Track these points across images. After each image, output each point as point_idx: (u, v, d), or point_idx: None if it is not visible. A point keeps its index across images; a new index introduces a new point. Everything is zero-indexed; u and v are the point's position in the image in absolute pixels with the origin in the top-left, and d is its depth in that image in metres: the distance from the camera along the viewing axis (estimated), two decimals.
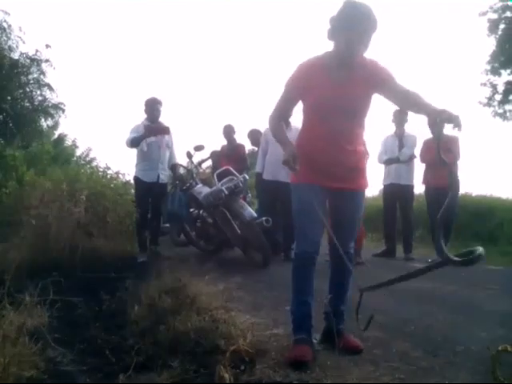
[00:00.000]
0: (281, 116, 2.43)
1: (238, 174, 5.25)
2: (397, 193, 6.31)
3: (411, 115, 6.27)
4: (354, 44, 2.11)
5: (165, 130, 5.21)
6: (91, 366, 2.22)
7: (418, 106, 2.08)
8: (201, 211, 5.63)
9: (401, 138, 6.32)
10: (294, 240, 5.19)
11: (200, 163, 6.28)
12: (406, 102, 2.23)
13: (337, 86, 2.20)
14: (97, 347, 2.50)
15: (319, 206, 2.22)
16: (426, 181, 6.30)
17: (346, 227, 2.39)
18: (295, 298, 2.32)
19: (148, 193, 5.24)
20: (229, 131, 6.74)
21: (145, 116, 5.35)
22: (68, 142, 14.63)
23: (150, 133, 5.05)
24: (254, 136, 6.48)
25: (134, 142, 5.08)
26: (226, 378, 1.85)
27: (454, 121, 1.87)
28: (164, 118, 5.47)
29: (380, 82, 2.22)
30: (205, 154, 6.83)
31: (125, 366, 2.18)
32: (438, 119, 1.89)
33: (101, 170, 7.33)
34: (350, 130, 2.27)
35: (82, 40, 38.08)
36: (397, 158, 6.23)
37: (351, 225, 2.41)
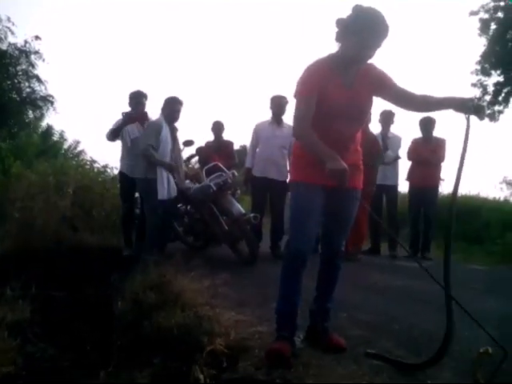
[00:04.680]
0: (310, 126, 2.22)
1: (226, 170, 5.23)
2: (382, 193, 6.46)
3: (399, 116, 6.43)
4: (365, 48, 2.10)
5: (143, 116, 5.06)
6: (71, 362, 2.19)
7: (436, 103, 2.20)
8: (188, 207, 5.60)
9: (385, 138, 6.42)
10: (281, 237, 5.28)
11: (189, 159, 6.24)
12: (414, 104, 2.29)
13: (348, 90, 2.21)
14: (78, 343, 2.46)
15: (318, 205, 2.24)
16: (410, 178, 6.50)
17: (342, 225, 2.39)
18: (283, 297, 2.29)
19: (133, 188, 5.18)
20: (219, 128, 6.68)
21: (129, 109, 5.22)
22: (56, 135, 14.47)
23: (129, 120, 4.96)
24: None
25: (113, 133, 5.01)
26: (201, 379, 1.82)
27: (482, 109, 2.08)
28: (150, 112, 5.32)
29: (381, 84, 2.25)
30: (193, 149, 6.79)
31: (106, 363, 2.15)
32: (471, 103, 2.05)
33: (88, 163, 7.26)
34: (354, 132, 2.31)
35: (72, 33, 37.71)
36: (382, 160, 6.32)
37: (346, 223, 2.40)
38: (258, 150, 5.58)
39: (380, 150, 5.76)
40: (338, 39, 2.20)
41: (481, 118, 2.09)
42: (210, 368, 1.96)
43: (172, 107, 4.82)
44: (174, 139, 4.87)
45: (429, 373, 2.04)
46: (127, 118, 4.99)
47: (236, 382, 1.93)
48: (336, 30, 2.19)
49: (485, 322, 2.86)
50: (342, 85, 2.21)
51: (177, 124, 4.96)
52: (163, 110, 4.83)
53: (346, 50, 2.16)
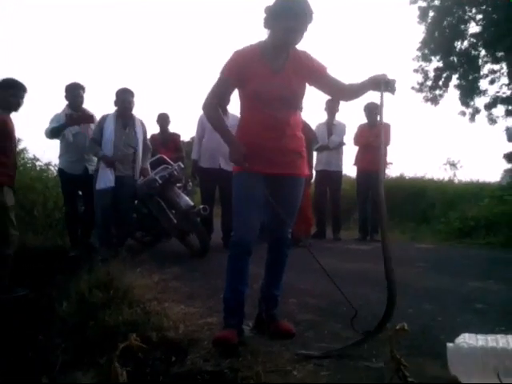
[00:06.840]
0: (218, 104, 2.37)
1: (172, 163, 5.15)
2: (327, 178, 6.68)
3: (343, 105, 6.63)
4: (291, 32, 2.15)
5: (88, 119, 4.88)
6: (12, 369, 2.10)
7: (359, 88, 2.33)
8: (136, 202, 5.49)
9: (330, 126, 6.63)
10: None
11: None
12: (343, 93, 2.43)
13: (276, 74, 2.24)
14: (20, 348, 2.37)
15: (260, 194, 2.24)
16: (357, 163, 6.71)
17: (287, 212, 2.36)
18: (229, 286, 2.29)
19: (75, 185, 5.00)
20: (164, 120, 6.58)
21: (66, 103, 5.01)
22: None
23: (72, 122, 4.75)
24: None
25: (54, 132, 4.79)
26: (122, 376, 1.77)
27: (392, 82, 2.21)
28: (88, 105, 5.19)
29: (312, 72, 2.31)
30: None
31: (50, 367, 2.07)
32: (382, 79, 2.19)
33: (29, 161, 6.95)
34: (288, 116, 2.31)
35: (4, 27, 35.97)
36: (326, 146, 6.54)
37: (291, 210, 2.40)
38: (204, 140, 5.52)
39: (313, 136, 5.88)
40: (266, 25, 2.25)
41: (392, 92, 2.23)
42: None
43: (122, 98, 4.73)
44: (132, 129, 4.83)
45: (374, 351, 2.09)
46: (71, 121, 4.75)
47: (184, 374, 1.91)
48: (264, 16, 2.22)
49: (427, 297, 3.01)
50: (270, 69, 2.25)
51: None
52: (115, 102, 4.75)
53: (274, 35, 2.22)
